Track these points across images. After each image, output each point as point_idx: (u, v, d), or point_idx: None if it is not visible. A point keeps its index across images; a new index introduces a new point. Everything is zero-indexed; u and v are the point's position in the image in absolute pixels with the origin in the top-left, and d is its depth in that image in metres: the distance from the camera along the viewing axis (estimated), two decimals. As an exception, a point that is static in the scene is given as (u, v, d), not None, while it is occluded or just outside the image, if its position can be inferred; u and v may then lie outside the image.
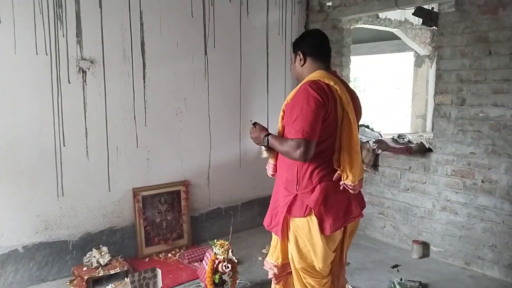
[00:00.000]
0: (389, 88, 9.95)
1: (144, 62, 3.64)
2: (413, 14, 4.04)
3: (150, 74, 3.68)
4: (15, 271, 3.16)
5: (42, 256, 3.28)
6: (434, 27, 4.50)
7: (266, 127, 2.27)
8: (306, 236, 2.10)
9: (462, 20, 3.47)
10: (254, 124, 2.27)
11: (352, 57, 4.70)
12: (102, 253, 3.35)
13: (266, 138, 2.16)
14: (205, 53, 4.00)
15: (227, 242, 2.94)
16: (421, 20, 4.16)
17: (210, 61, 4.04)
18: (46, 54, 3.15)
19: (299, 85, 2.13)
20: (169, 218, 3.85)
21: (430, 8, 4.13)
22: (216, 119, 4.14)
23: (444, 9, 3.65)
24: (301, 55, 2.20)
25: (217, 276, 2.88)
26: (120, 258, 3.47)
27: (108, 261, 3.33)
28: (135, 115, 3.64)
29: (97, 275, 3.23)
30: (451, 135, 3.60)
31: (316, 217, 2.05)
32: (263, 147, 2.22)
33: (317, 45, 2.21)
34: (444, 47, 3.63)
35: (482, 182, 3.42)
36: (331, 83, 2.08)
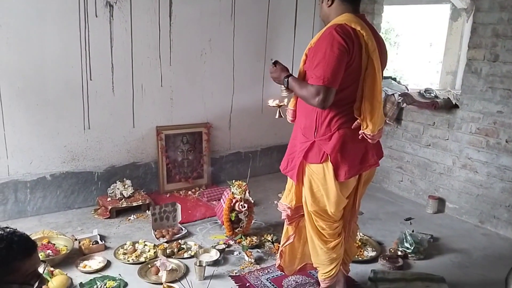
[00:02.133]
0: (421, 43, 9.55)
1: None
2: (454, -39, 3.80)
3: (176, 12, 3.63)
4: (43, 197, 3.36)
5: (68, 185, 3.45)
6: (476, -23, 4.24)
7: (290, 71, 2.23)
8: (321, 182, 2.13)
9: (507, -31, 3.25)
10: (275, 63, 2.22)
11: (386, 7, 4.51)
12: (126, 185, 3.51)
13: (286, 80, 2.13)
14: (233, -7, 3.91)
15: (245, 183, 3.02)
16: (462, -32, 3.91)
17: (237, 1, 3.94)
18: (74, -14, 3.14)
19: (324, 28, 2.06)
20: (190, 157, 3.96)
21: (474, -45, 3.86)
22: (240, 63, 4.11)
23: (489, -42, 3.42)
24: None
25: (233, 214, 3.00)
26: (142, 191, 3.63)
27: (131, 193, 3.50)
28: (160, 54, 3.64)
29: (120, 206, 3.40)
30: (480, 92, 3.49)
31: (332, 164, 2.06)
32: (283, 86, 2.21)
33: None
34: (484, -2, 3.43)
35: (506, 142, 3.35)
36: (358, 28, 2.00)
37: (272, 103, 2.35)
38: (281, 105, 2.33)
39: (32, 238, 1.39)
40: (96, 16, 3.27)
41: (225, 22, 3.93)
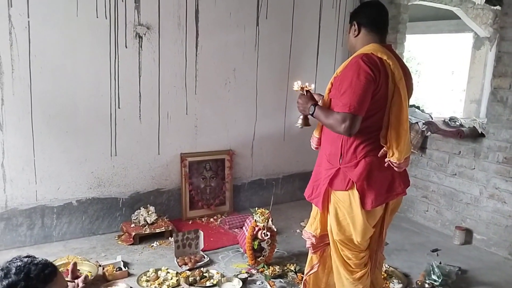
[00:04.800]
0: (443, 71, 9.52)
1: (197, 31, 3.71)
2: (477, -9, 3.83)
3: (202, 42, 3.75)
4: (69, 223, 3.41)
5: (94, 211, 3.50)
6: (498, 7, 4.25)
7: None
8: (347, 210, 2.11)
9: (531, -1, 3.26)
10: (307, 91, 2.25)
11: (407, 36, 4.54)
12: (149, 212, 3.54)
13: (313, 107, 2.15)
14: (257, 24, 4.01)
15: (268, 211, 3.01)
16: (485, -2, 3.94)
17: (261, 32, 4.04)
18: (106, 18, 3.27)
19: (351, 57, 2.10)
20: (213, 184, 3.98)
21: (497, -14, 3.90)
22: (263, 91, 4.17)
23: (512, -12, 3.44)
24: (356, 26, 2.16)
25: (256, 243, 2.97)
26: (166, 218, 3.65)
27: (154, 220, 3.52)
28: (186, 83, 3.74)
29: (143, 232, 3.42)
30: (506, 121, 3.44)
31: (358, 191, 2.05)
32: (301, 116, 2.22)
33: (373, 16, 2.16)
34: (508, 27, 3.43)
35: (537, 171, 3.27)
36: (384, 57, 2.03)
37: (296, 86, 2.24)
38: (308, 88, 2.22)
39: (55, 263, 1.41)
40: (126, 47, 3.39)
41: (249, 52, 4.03)
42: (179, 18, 3.60)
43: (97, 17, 3.24)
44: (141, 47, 3.46)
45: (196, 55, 3.74)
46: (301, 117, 2.26)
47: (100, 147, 3.44)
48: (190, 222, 3.82)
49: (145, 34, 3.46)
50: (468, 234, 3.71)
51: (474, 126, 3.75)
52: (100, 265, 2.92)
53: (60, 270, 1.43)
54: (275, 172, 4.43)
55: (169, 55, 3.60)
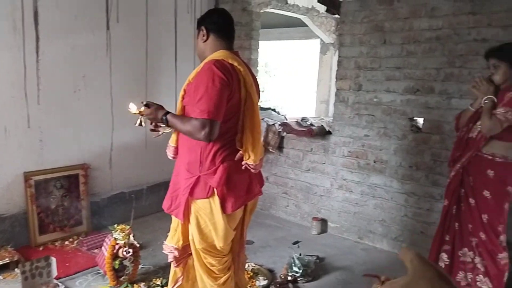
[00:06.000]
0: (297, 74, 10.32)
1: (37, 35, 3.32)
2: (317, 1, 4.20)
3: (44, 48, 3.37)
4: None
5: None
6: (337, 15, 4.73)
7: (173, 107, 2.18)
8: (208, 216, 2.10)
9: (362, 9, 3.68)
10: (146, 104, 2.14)
11: (262, 42, 4.76)
12: (-13, 243, 3.05)
13: (165, 117, 2.09)
14: (107, 28, 3.77)
15: (128, 227, 2.84)
16: (325, 7, 4.34)
17: (113, 36, 3.81)
18: None
19: (202, 64, 2.10)
20: (66, 204, 3.60)
21: (334, -3, 4.33)
22: (120, 99, 3.93)
23: (347, -1, 3.83)
24: (205, 31, 2.16)
25: (117, 262, 2.78)
26: (10, 247, 3.20)
27: (-6, 251, 3.04)
28: (26, 92, 3.31)
29: (-19, 267, 2.94)
30: (348, 119, 3.84)
31: (219, 197, 2.06)
32: (162, 124, 2.15)
33: (221, 23, 2.19)
34: (345, 34, 3.83)
35: (374, 162, 3.71)
36: (235, 64, 2.08)
37: (133, 109, 2.15)
38: (143, 114, 2.15)
39: None
40: None
41: (100, 58, 3.76)
42: (14, 21, 3.18)
43: None
44: (-35, 52, 2.97)
45: (37, 62, 3.35)
46: (140, 118, 2.17)
47: None
48: (41, 248, 3.39)
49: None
50: (323, 224, 4.05)
51: (322, 125, 4.10)
52: None
53: None
54: (138, 183, 4.22)
55: (3, 63, 3.15)
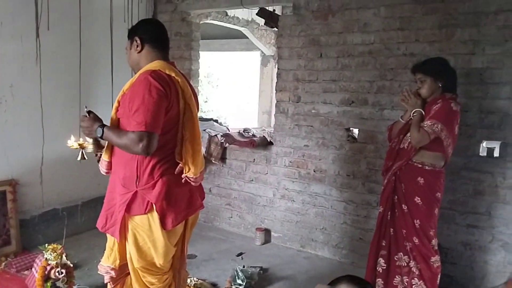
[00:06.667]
0: (240, 85, 10.39)
1: (-45, 41, 3.08)
2: (256, 14, 4.25)
3: (-37, 55, 3.12)
4: None
5: None
6: (275, 29, 4.82)
7: (109, 118, 2.09)
8: (146, 233, 2.02)
9: (299, 23, 3.78)
10: (89, 112, 2.07)
11: (204, 52, 4.73)
12: None
13: (100, 129, 1.99)
14: (37, 35, 3.56)
15: (61, 246, 2.68)
16: (264, 21, 4.40)
17: (43, 44, 3.61)
18: None
19: (137, 74, 2.03)
20: (-9, 223, 3.34)
21: (272, 10, 4.41)
22: (51, 110, 3.73)
23: (286, 12, 3.91)
24: (138, 41, 2.10)
25: (48, 284, 2.62)
26: None
27: None
28: None
29: None
30: (289, 129, 3.90)
31: (158, 213, 1.99)
32: (90, 140, 2.06)
33: (156, 33, 2.14)
34: (283, 48, 3.91)
35: (314, 171, 3.80)
36: (172, 74, 2.03)
37: (73, 143, 2.10)
38: (85, 146, 2.10)
39: None
40: None
41: (29, 67, 3.54)
42: None
43: None
44: None
45: (-44, 70, 3.09)
46: (81, 151, 2.10)
47: None
48: (-39, 274, 3.11)
49: None
50: (267, 234, 4.06)
51: (264, 136, 4.14)
52: None
53: None
54: (72, 198, 4.00)
55: None
